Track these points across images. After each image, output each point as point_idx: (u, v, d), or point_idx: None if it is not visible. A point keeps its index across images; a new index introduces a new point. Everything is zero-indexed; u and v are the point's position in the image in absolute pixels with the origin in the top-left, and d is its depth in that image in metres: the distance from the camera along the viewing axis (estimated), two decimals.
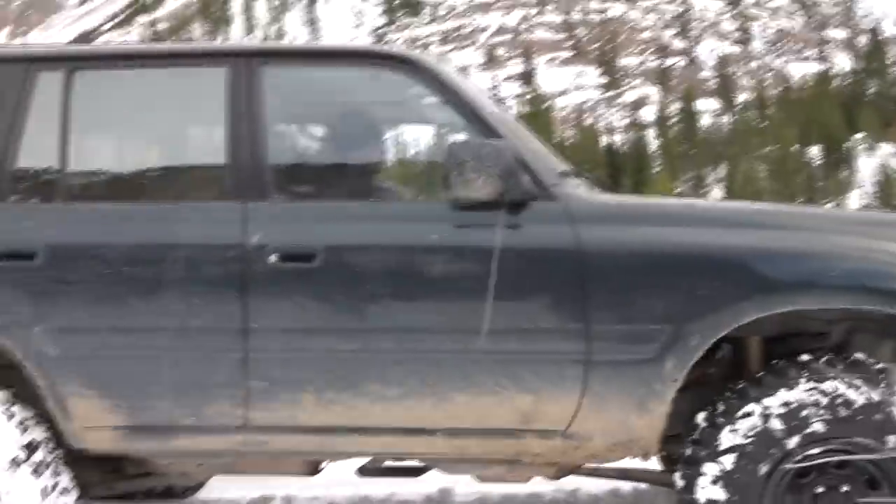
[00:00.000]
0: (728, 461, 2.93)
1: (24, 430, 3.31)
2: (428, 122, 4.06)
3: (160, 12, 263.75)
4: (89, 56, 3.82)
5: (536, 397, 3.10)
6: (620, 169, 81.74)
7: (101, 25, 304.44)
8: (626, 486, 4.23)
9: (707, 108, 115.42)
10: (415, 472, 3.65)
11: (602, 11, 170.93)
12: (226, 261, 3.29)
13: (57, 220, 3.50)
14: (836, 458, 2.93)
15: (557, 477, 3.46)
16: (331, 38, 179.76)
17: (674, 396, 3.05)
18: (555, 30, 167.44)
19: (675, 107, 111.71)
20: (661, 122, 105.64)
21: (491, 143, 3.12)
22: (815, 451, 2.91)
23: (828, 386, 2.92)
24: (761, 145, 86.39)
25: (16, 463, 3.24)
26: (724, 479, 2.93)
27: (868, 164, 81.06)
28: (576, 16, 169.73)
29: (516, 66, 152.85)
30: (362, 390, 3.21)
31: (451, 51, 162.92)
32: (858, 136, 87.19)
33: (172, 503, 4.67)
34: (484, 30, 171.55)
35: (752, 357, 3.31)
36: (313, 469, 3.68)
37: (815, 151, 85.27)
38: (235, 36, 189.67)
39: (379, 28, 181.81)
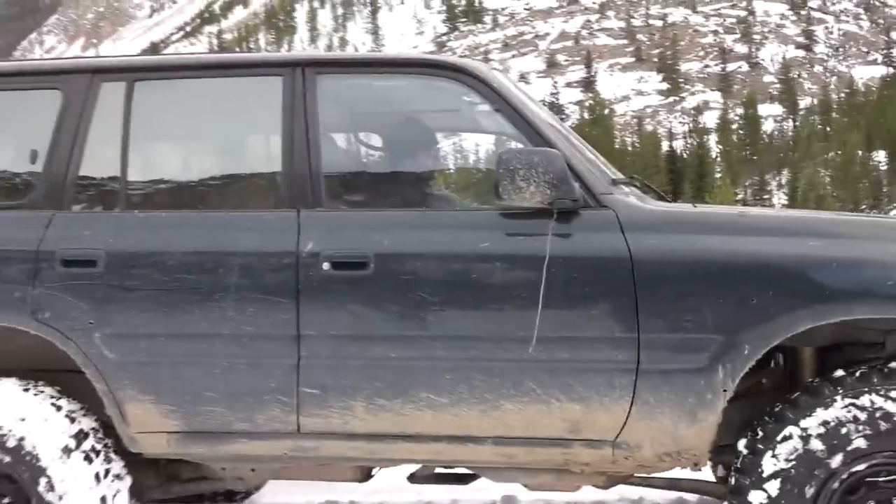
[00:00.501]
0: (773, 487, 2.86)
1: (72, 420, 3.31)
2: (482, 131, 3.96)
3: (227, 23, 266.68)
4: (150, 66, 3.78)
5: (586, 406, 3.03)
6: (681, 175, 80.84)
7: (170, 36, 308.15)
8: (692, 496, 4.03)
9: (770, 113, 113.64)
10: (464, 479, 3.59)
11: (663, 17, 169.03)
12: (279, 268, 3.23)
13: (117, 229, 3.44)
14: (882, 475, 2.83)
15: (607, 486, 3.36)
16: (393, 46, 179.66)
17: (725, 406, 2.95)
18: (616, 35, 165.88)
19: (736, 112, 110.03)
20: (723, 127, 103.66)
21: (542, 151, 3.04)
22: (861, 467, 2.81)
23: (864, 400, 2.82)
24: (825, 150, 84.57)
25: (67, 451, 3.24)
26: (796, 457, 2.85)
27: None
28: (637, 21, 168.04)
29: (577, 72, 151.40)
30: (412, 398, 3.14)
31: (511, 57, 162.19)
32: None
33: None
34: (545, 36, 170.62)
35: (806, 367, 3.24)
36: (365, 475, 3.63)
37: (880, 156, 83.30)
38: (299, 45, 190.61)
39: (440, 35, 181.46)
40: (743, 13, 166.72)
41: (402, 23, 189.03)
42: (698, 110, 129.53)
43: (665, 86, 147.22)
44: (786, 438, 2.86)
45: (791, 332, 2.90)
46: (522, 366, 3.05)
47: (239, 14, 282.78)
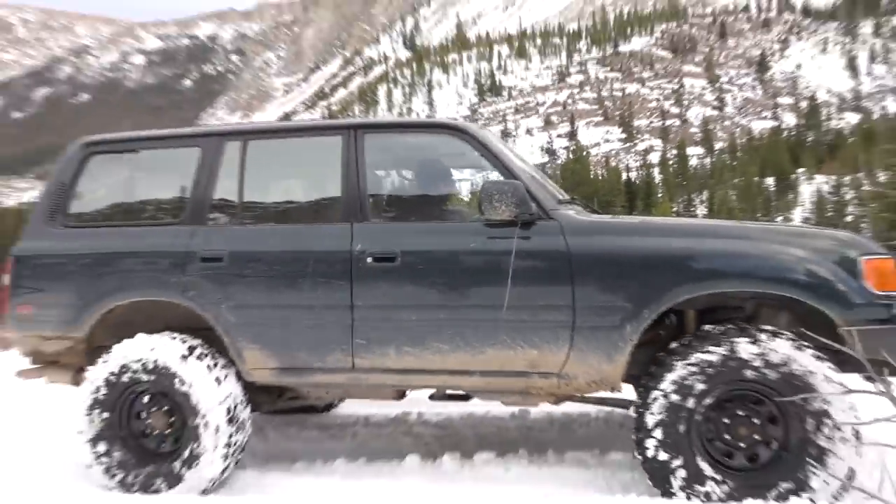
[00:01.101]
0: (657, 412, 2.88)
1: (205, 357, 3.42)
2: (472, 169, 3.87)
3: (333, 99, 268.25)
4: (257, 130, 3.80)
5: (539, 351, 3.08)
6: (635, 195, 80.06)
7: (296, 108, 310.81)
8: (618, 411, 4.03)
9: (694, 153, 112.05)
10: (464, 398, 3.63)
11: (622, 90, 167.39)
12: (339, 262, 3.31)
13: (235, 236, 3.53)
14: (726, 401, 2.84)
15: (557, 403, 3.36)
16: (442, 112, 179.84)
17: (631, 351, 2.99)
18: (591, 102, 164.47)
19: (672, 152, 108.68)
20: (663, 163, 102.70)
21: (509, 182, 3.09)
22: (709, 401, 2.83)
23: (693, 359, 2.85)
24: (732, 177, 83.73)
25: (202, 377, 3.33)
26: (665, 410, 2.87)
27: (807, 189, 77.96)
28: (605, 93, 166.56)
29: (565, 128, 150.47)
30: (426, 346, 3.21)
31: (521, 118, 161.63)
32: (800, 170, 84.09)
33: (324, 417, 4.69)
34: (543, 103, 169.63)
35: (689, 323, 3.23)
36: (400, 395, 3.65)
37: (769, 182, 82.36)
38: (380, 113, 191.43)
39: (473, 104, 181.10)
40: (676, 86, 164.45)
41: (448, 96, 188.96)
42: (646, 152, 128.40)
43: (623, 136, 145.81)
44: (655, 398, 2.91)
45: (674, 301, 2.94)
46: (497, 324, 3.11)
47: (342, 93, 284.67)
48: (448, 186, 3.90)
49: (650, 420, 2.90)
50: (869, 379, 2.82)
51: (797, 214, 72.25)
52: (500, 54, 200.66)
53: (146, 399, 3.45)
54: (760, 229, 3.11)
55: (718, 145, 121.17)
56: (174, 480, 3.31)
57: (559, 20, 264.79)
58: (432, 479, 3.40)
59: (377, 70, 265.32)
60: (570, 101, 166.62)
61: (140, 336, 3.50)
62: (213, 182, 3.63)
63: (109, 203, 4.00)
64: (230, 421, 3.36)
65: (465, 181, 4.09)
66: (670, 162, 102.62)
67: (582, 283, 3.01)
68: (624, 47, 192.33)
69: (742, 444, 2.84)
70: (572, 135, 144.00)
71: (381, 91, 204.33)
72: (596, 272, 3.01)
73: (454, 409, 4.53)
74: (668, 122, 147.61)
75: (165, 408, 3.41)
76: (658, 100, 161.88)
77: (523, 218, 3.09)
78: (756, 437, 2.82)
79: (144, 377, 3.40)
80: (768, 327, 2.93)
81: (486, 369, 3.18)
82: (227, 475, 3.42)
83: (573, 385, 3.12)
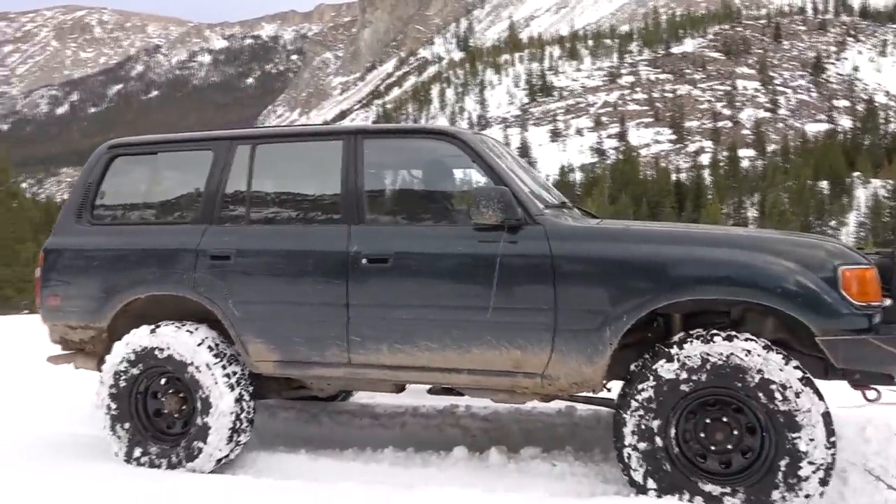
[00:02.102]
0: (636, 414, 2.89)
1: (221, 346, 3.59)
2: (464, 174, 3.83)
3: (388, 98, 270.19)
4: (266, 135, 3.82)
5: (523, 352, 3.08)
6: (685, 196, 78.58)
7: (353, 107, 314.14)
8: (605, 410, 3.99)
9: (746, 155, 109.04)
10: (460, 393, 3.61)
11: (674, 91, 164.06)
12: (337, 262, 3.35)
13: (242, 236, 3.60)
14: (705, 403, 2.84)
15: (546, 401, 3.37)
16: (494, 112, 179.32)
17: (611, 353, 2.97)
18: (641, 103, 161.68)
19: (723, 154, 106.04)
20: (714, 164, 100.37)
21: (497, 188, 3.10)
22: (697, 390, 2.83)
23: (664, 371, 2.86)
24: (785, 180, 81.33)
25: (210, 364, 3.50)
26: (642, 407, 2.89)
27: (863, 193, 75.10)
28: (656, 94, 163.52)
29: (615, 128, 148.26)
30: (416, 344, 3.23)
31: (571, 118, 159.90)
32: (856, 174, 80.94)
33: (375, 407, 4.69)
34: (594, 104, 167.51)
35: (675, 327, 3.20)
36: (400, 389, 3.68)
37: (823, 185, 79.56)
38: (433, 112, 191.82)
39: (524, 105, 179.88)
40: (728, 88, 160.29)
41: (499, 96, 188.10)
42: (697, 153, 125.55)
43: (674, 137, 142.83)
44: (647, 377, 2.90)
45: (654, 307, 2.91)
46: (483, 325, 3.12)
47: (396, 92, 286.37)
48: (442, 191, 3.84)
49: (638, 392, 2.91)
50: (859, 386, 2.95)
51: (851, 219, 69.75)
52: (551, 55, 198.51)
53: (162, 381, 3.63)
54: (742, 237, 3.05)
55: (771, 147, 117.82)
56: (175, 463, 3.51)
57: (611, 22, 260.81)
58: (478, 472, 3.41)
59: (431, 70, 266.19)
60: (620, 101, 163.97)
61: (154, 326, 3.66)
62: (224, 183, 3.70)
63: (131, 202, 4.12)
64: (236, 421, 3.51)
65: (467, 184, 4.01)
66: (721, 164, 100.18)
67: (563, 287, 3.00)
68: (676, 49, 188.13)
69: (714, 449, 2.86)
70: (622, 135, 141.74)
71: (434, 91, 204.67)
72: (577, 276, 3.01)
73: (540, 405, 4.47)
74: (719, 124, 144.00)
75: (179, 393, 3.60)
76: (710, 101, 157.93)
77: (509, 223, 3.09)
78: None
79: (157, 363, 3.58)
80: (745, 335, 2.86)
81: (472, 368, 3.19)
82: (232, 457, 3.59)
83: (556, 385, 3.12)
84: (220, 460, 3.51)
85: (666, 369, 2.85)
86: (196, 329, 3.62)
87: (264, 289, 3.48)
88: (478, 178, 3.46)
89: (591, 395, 3.33)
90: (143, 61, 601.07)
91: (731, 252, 2.88)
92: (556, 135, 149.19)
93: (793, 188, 77.12)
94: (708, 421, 2.83)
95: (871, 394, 2.99)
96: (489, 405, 4.46)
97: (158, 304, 3.76)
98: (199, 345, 3.54)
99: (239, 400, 3.53)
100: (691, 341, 2.86)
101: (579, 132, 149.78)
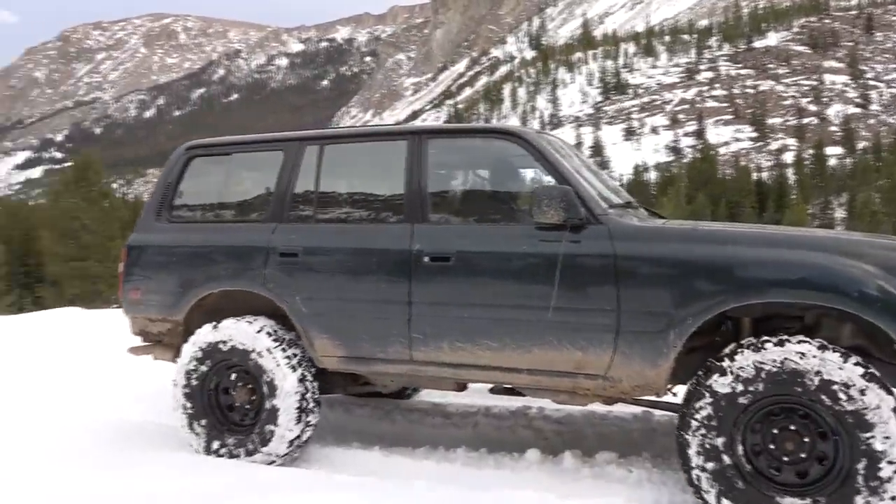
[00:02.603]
0: (701, 414, 2.81)
1: (281, 341, 3.66)
2: (526, 173, 3.79)
3: (460, 98, 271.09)
4: (333, 136, 3.90)
5: (584, 353, 3.06)
6: (766, 196, 75.49)
7: (424, 107, 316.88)
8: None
9: (834, 153, 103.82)
10: (521, 393, 3.57)
11: (755, 87, 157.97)
12: (400, 260, 3.39)
13: (310, 233, 3.68)
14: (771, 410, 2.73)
15: (609, 403, 3.30)
16: (566, 110, 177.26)
17: (675, 357, 2.90)
18: (720, 100, 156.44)
19: (808, 152, 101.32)
20: (798, 163, 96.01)
21: (559, 188, 3.08)
22: (761, 401, 2.72)
23: (719, 385, 2.78)
24: (876, 179, 76.91)
25: (292, 356, 3.63)
26: (710, 412, 2.79)
27: None
28: (736, 90, 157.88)
29: (692, 126, 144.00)
30: (477, 342, 3.24)
31: (646, 116, 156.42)
32: None
33: (447, 406, 4.73)
34: (670, 101, 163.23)
35: (745, 331, 3.08)
36: (462, 388, 3.72)
37: None
38: (504, 111, 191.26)
39: (597, 103, 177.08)
40: (815, 83, 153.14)
41: (572, 95, 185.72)
42: (779, 151, 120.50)
43: (755, 134, 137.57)
44: (713, 381, 2.82)
45: (719, 311, 2.84)
46: (544, 325, 3.10)
47: (467, 92, 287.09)
48: (505, 190, 3.83)
49: (701, 402, 2.82)
50: None
51: None
52: (626, 52, 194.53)
53: (233, 376, 3.75)
54: (817, 238, 2.93)
55: (861, 145, 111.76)
56: (252, 450, 3.61)
57: (689, 17, 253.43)
58: (552, 476, 3.36)
59: (503, 69, 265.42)
60: (698, 98, 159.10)
61: (216, 322, 3.78)
62: (293, 183, 3.79)
63: (206, 201, 4.25)
64: (302, 401, 3.60)
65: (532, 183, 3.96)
66: (806, 162, 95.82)
67: (626, 288, 2.96)
68: (758, 43, 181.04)
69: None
70: (700, 133, 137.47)
71: (506, 90, 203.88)
72: (640, 277, 2.95)
73: (575, 406, 4.39)
74: (804, 121, 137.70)
75: (248, 384, 3.70)
76: (794, 97, 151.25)
77: (572, 222, 3.07)
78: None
79: (223, 356, 3.70)
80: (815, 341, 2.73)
81: (533, 368, 3.18)
82: (303, 438, 3.67)
83: (619, 388, 3.07)
84: (292, 441, 3.59)
85: (721, 384, 2.78)
86: (255, 320, 3.74)
87: (330, 285, 3.56)
88: (542, 177, 3.44)
89: (655, 398, 3.27)
90: (224, 65, 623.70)
91: (802, 254, 2.78)
92: (630, 133, 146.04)
93: (885, 187, 72.79)
94: (776, 431, 2.72)
95: None
96: (562, 407, 4.40)
97: (231, 300, 3.88)
98: (259, 332, 3.66)
99: (302, 380, 3.62)
100: (742, 351, 2.78)
101: (654, 130, 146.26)
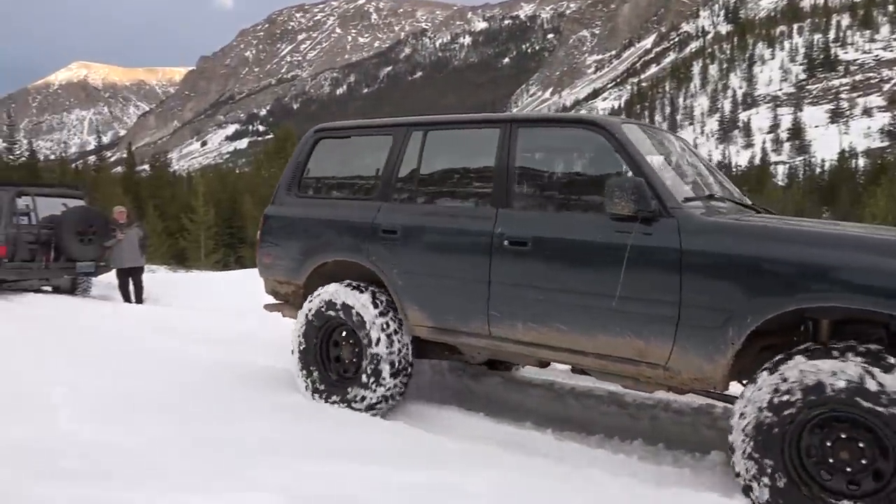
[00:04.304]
0: (749, 426, 2.77)
1: (381, 304, 4.04)
2: (609, 163, 3.65)
3: (644, 76, 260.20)
4: (436, 122, 4.14)
5: (646, 342, 3.12)
6: None
7: (606, 85, 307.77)
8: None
9: None
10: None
11: None
12: (483, 242, 3.61)
13: (409, 213, 3.98)
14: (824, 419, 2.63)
15: (679, 393, 3.31)
16: (761, 89, 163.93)
17: (734, 353, 2.88)
18: None
19: None
20: None
21: (631, 179, 3.13)
22: (798, 413, 2.65)
23: (771, 380, 2.74)
24: None
25: (376, 319, 4.00)
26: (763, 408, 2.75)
27: None
28: None
29: None
30: (547, 324, 3.40)
31: (857, 96, 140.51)
32: None
33: (624, 396, 4.58)
34: (889, 80, 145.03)
35: (822, 332, 2.93)
36: (544, 364, 3.94)
37: None
38: (692, 90, 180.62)
39: (800, 81, 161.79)
40: None
41: (771, 72, 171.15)
42: None
43: None
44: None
45: (780, 311, 2.78)
46: (610, 313, 3.19)
47: (652, 69, 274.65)
48: (585, 179, 3.81)
49: (757, 394, 2.79)
50: None
51: None
52: (838, 24, 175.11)
53: (343, 333, 4.21)
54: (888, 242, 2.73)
55: None
56: (356, 395, 4.03)
57: None
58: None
59: (693, 45, 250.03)
60: None
61: (335, 284, 4.21)
62: (398, 165, 4.10)
63: (328, 179, 4.66)
64: (395, 360, 3.97)
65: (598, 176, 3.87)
66: None
67: (689, 281, 2.98)
68: None
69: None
70: None
71: (696, 67, 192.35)
72: (704, 272, 2.96)
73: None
74: None
75: (351, 340, 4.15)
76: None
77: (643, 214, 3.11)
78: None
79: (332, 311, 4.15)
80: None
81: (598, 352, 3.29)
82: (397, 392, 4.03)
83: (678, 378, 3.11)
84: (384, 395, 3.98)
85: (763, 397, 2.75)
86: (362, 286, 4.14)
87: (422, 261, 3.86)
88: (625, 168, 3.44)
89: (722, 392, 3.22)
90: (410, 44, 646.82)
91: (877, 259, 2.63)
92: (837, 115, 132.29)
93: None
94: (829, 443, 2.64)
95: None
96: None
97: (343, 268, 4.27)
98: (369, 301, 4.05)
99: (394, 342, 3.98)
100: (786, 362, 2.74)
101: (867, 112, 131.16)
